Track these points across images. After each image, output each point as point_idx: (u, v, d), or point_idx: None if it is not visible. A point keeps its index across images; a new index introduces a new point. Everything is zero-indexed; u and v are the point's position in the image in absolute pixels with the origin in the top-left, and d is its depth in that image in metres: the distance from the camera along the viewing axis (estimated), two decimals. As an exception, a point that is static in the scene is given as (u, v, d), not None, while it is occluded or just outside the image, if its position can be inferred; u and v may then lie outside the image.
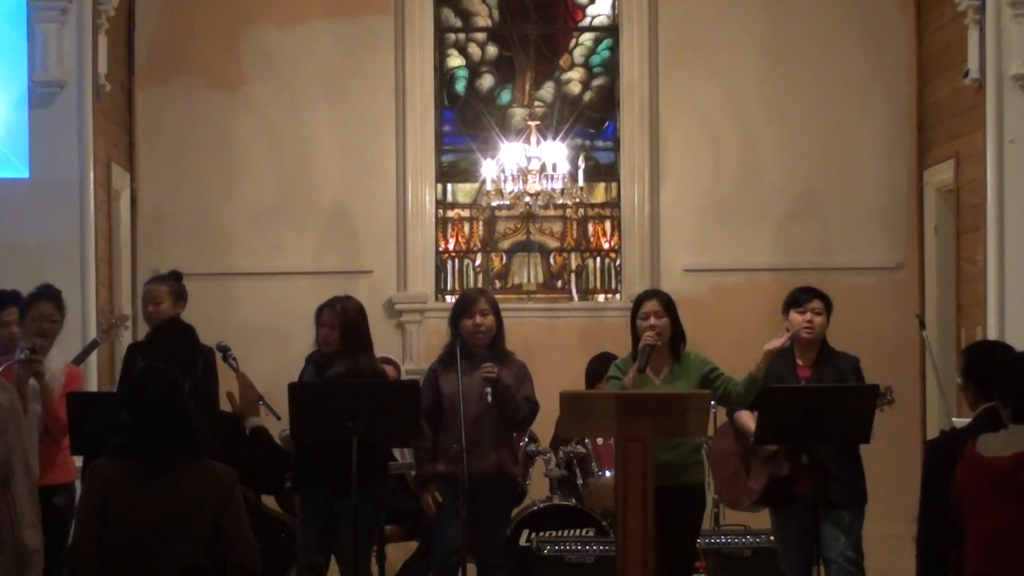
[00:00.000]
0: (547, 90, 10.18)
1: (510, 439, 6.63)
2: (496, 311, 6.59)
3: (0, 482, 3.09)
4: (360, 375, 6.36)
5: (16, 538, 3.11)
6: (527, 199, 9.18)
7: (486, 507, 6.39)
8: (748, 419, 6.25)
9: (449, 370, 6.51)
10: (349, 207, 9.80)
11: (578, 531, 7.51)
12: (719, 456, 6.67)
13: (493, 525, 6.52)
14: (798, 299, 6.35)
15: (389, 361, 7.53)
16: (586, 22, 10.25)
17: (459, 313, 6.60)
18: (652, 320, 6.19)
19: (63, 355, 6.85)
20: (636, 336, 6.25)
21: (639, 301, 6.34)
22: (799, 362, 6.32)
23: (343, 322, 6.43)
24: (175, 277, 7.22)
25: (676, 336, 6.28)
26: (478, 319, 6.52)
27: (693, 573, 6.65)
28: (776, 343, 6.15)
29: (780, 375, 6.27)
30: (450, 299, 9.69)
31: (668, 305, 6.29)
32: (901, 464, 9.15)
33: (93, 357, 7.73)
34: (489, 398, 6.35)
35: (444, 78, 10.13)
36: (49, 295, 6.55)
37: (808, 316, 6.28)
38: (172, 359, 5.19)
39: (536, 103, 10.11)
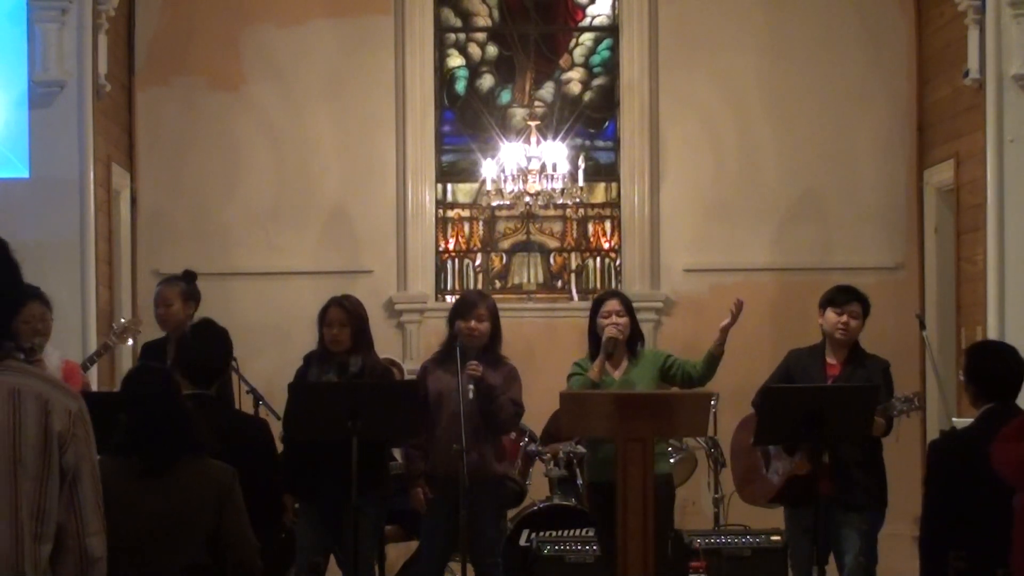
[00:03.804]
0: (547, 90, 10.18)
1: (495, 438, 6.61)
2: (494, 318, 6.58)
3: (68, 488, 3.12)
4: (372, 372, 6.37)
5: (80, 544, 3.15)
6: (527, 199, 9.18)
7: (472, 505, 6.39)
8: None
9: (439, 369, 6.53)
10: (349, 207, 9.80)
11: (578, 531, 7.51)
12: (738, 449, 6.67)
13: (481, 523, 6.49)
14: (837, 299, 6.34)
15: (392, 363, 7.52)
16: (586, 22, 10.25)
17: (457, 314, 6.61)
18: (614, 318, 6.42)
19: (59, 351, 6.87)
20: (595, 335, 6.47)
21: (599, 301, 6.58)
22: (829, 360, 6.32)
23: (354, 319, 6.42)
24: (187, 278, 7.21)
25: (634, 335, 6.50)
26: (473, 324, 6.51)
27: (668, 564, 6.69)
28: (728, 320, 6.29)
29: (809, 372, 6.28)
30: (450, 299, 9.69)
31: (627, 305, 6.53)
32: (901, 464, 9.12)
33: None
34: (471, 394, 6.35)
35: (444, 78, 10.13)
36: (35, 295, 6.53)
37: (844, 318, 6.28)
38: (209, 360, 5.20)
39: (536, 103, 10.11)
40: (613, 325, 6.37)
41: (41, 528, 3.08)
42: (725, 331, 6.28)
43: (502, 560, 7.43)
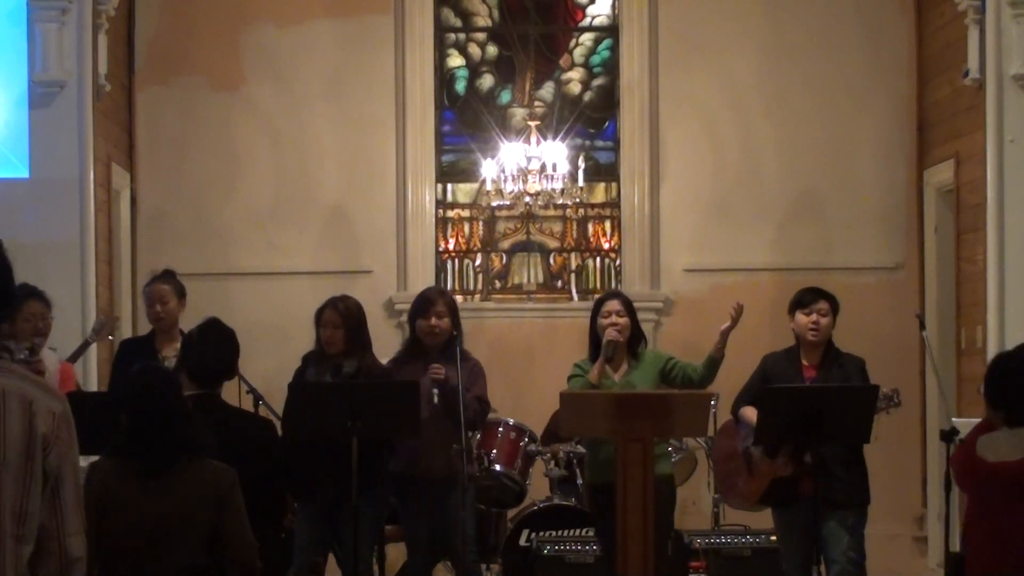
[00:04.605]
0: (547, 90, 10.18)
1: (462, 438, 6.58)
2: (453, 313, 6.58)
3: (50, 489, 3.12)
4: (369, 373, 6.36)
5: (60, 545, 3.16)
6: (527, 199, 9.17)
7: (446, 505, 6.38)
8: (752, 413, 6.24)
9: (404, 370, 6.52)
10: (349, 207, 9.79)
11: (578, 531, 7.51)
12: (721, 454, 6.68)
13: (455, 523, 6.48)
14: (804, 300, 6.37)
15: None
16: (586, 22, 10.25)
17: (416, 312, 6.60)
18: (614, 318, 6.37)
19: (56, 353, 6.87)
20: (595, 336, 6.43)
21: (600, 302, 6.53)
22: (805, 362, 6.34)
23: (348, 321, 6.42)
24: (173, 275, 7.21)
25: (635, 336, 6.46)
26: (433, 321, 6.51)
27: (669, 566, 6.68)
28: (728, 324, 6.27)
29: (786, 375, 6.30)
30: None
31: (628, 306, 6.47)
32: (901, 464, 9.17)
33: (93, 357, 7.73)
34: (436, 399, 6.34)
35: (444, 78, 10.13)
36: (36, 294, 6.55)
37: (814, 317, 6.30)
38: (217, 361, 5.18)
39: (536, 103, 10.11)
40: (613, 327, 6.34)
41: (22, 529, 3.08)
42: (725, 334, 6.28)
43: (500, 559, 7.45)
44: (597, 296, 9.92)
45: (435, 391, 6.35)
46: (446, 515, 6.42)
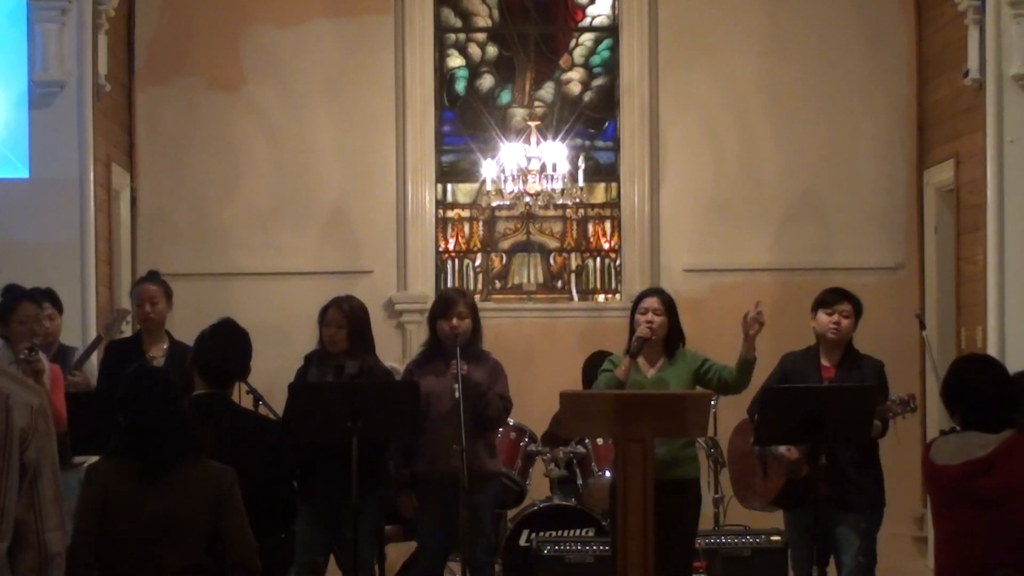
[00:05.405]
0: (547, 90, 10.18)
1: (484, 436, 6.59)
2: (474, 313, 6.59)
3: (28, 483, 3.12)
4: (371, 374, 6.36)
5: (39, 540, 3.15)
6: (527, 199, 9.18)
7: (468, 505, 6.38)
8: None
9: (424, 370, 6.53)
10: (349, 207, 9.80)
11: (578, 531, 7.51)
12: (735, 454, 6.68)
13: (478, 522, 6.48)
14: (827, 300, 6.39)
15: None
16: (586, 22, 10.25)
17: (437, 314, 6.59)
18: (650, 315, 6.30)
19: (76, 350, 6.91)
20: (633, 332, 6.35)
21: (640, 298, 6.46)
22: (824, 362, 6.35)
23: (351, 321, 6.42)
24: (159, 276, 7.19)
25: (673, 335, 6.39)
26: (455, 322, 6.51)
27: (692, 572, 6.65)
28: (755, 329, 6.21)
29: (804, 374, 6.30)
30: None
31: (668, 304, 6.39)
32: (901, 464, 9.14)
33: (94, 356, 7.72)
34: (457, 394, 6.34)
35: (444, 78, 10.13)
36: (29, 296, 6.54)
37: (835, 317, 6.32)
38: (230, 361, 5.18)
39: (536, 103, 10.11)
40: (647, 324, 6.30)
41: None
42: (751, 338, 6.24)
43: (500, 559, 7.42)
44: (599, 296, 10.05)
45: (456, 386, 6.36)
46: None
